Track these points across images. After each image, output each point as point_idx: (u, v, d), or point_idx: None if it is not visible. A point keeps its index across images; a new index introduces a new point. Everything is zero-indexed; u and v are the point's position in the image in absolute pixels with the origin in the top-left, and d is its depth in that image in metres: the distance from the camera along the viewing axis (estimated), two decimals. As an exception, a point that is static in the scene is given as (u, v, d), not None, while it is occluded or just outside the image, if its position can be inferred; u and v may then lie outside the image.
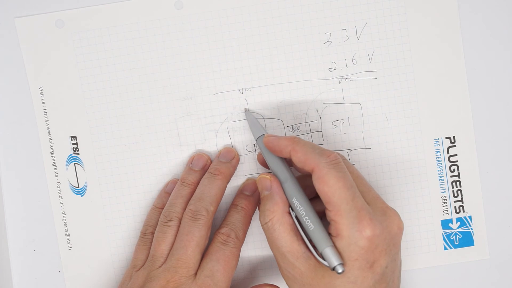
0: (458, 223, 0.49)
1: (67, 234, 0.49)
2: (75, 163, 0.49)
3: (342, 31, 0.47)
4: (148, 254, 0.45)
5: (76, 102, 0.48)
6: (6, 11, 0.47)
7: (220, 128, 0.48)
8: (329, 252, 0.39)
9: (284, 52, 0.48)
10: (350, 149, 0.48)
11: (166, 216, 0.45)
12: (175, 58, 0.48)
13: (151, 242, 0.46)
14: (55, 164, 0.49)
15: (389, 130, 0.48)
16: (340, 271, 0.38)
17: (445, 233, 0.49)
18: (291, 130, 0.48)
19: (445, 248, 0.49)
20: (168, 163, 0.48)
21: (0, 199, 0.49)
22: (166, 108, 0.48)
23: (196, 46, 0.47)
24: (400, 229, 0.40)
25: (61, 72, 0.48)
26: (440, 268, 0.49)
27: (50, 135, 0.48)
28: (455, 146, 0.48)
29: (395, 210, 0.41)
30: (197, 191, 0.46)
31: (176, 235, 0.44)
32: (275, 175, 0.43)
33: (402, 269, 0.49)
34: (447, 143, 0.48)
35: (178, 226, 0.45)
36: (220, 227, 0.45)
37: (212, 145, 0.48)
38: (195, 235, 0.43)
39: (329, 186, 0.39)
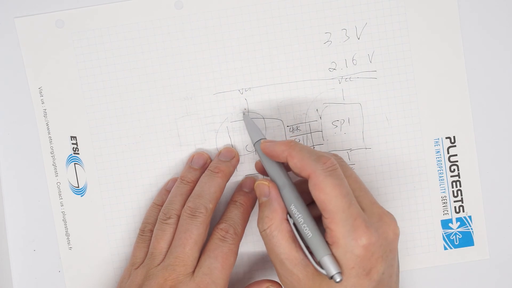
0: (458, 223, 0.49)
1: (67, 234, 0.49)
2: (75, 163, 0.49)
3: (342, 31, 0.47)
4: (147, 251, 0.45)
5: (76, 102, 0.48)
6: (6, 11, 0.47)
7: (220, 128, 0.48)
8: (327, 260, 0.39)
9: (284, 52, 0.48)
10: (350, 149, 0.48)
11: (165, 214, 0.45)
12: (175, 58, 0.48)
13: (150, 240, 0.46)
14: (55, 164, 0.49)
15: (389, 130, 0.48)
16: (338, 280, 0.38)
17: (445, 233, 0.49)
18: (291, 130, 0.48)
19: (445, 248, 0.49)
20: (168, 163, 0.48)
21: (0, 199, 0.49)
22: (166, 108, 0.48)
23: (196, 46, 0.47)
24: (396, 234, 0.40)
25: (61, 72, 0.48)
26: (440, 268, 0.49)
27: (50, 135, 0.48)
28: (455, 146, 0.48)
29: (391, 215, 0.40)
30: (196, 188, 0.45)
31: (174, 233, 0.44)
32: (273, 181, 0.43)
33: (402, 269, 0.49)
34: (447, 143, 0.48)
35: (177, 224, 0.45)
36: (218, 222, 0.45)
37: (212, 145, 0.48)
38: (193, 233, 0.43)
39: (325, 194, 0.39)
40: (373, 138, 0.48)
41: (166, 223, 0.45)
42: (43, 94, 0.48)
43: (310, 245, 0.40)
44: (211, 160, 0.48)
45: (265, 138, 0.45)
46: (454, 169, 0.49)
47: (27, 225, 0.49)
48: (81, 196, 0.49)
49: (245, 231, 0.46)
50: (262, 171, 0.46)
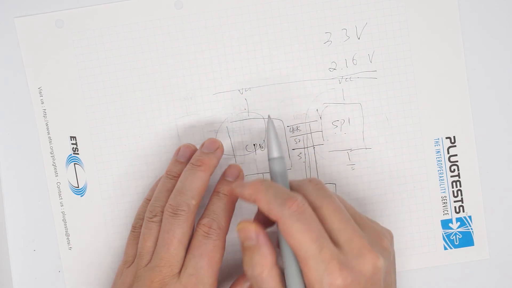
0: (458, 223, 0.49)
1: (67, 234, 0.49)
2: (75, 163, 0.49)
3: (342, 31, 0.47)
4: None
5: (76, 102, 0.48)
6: (6, 11, 0.47)
7: (220, 128, 0.48)
8: None
9: (284, 52, 0.48)
10: (350, 149, 0.48)
11: (151, 211, 0.44)
12: (175, 58, 0.48)
13: None
14: (55, 164, 0.49)
15: (389, 130, 0.48)
16: None
17: (445, 233, 0.49)
18: (291, 130, 0.48)
19: (445, 248, 0.49)
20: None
21: (0, 199, 0.49)
22: (166, 108, 0.48)
23: (196, 46, 0.47)
24: (377, 267, 0.38)
25: (61, 72, 0.48)
26: (440, 268, 0.49)
27: (49, 135, 0.48)
28: (455, 146, 0.48)
29: (371, 249, 0.38)
30: (178, 184, 0.44)
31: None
32: (259, 222, 0.40)
33: (402, 270, 0.49)
34: (447, 143, 0.48)
35: None
36: (201, 217, 0.43)
37: (212, 145, 0.48)
38: (176, 232, 0.42)
39: (294, 239, 0.37)
40: (373, 138, 0.48)
41: (152, 221, 0.43)
42: (43, 94, 0.48)
43: (288, 282, 0.39)
44: None
45: (281, 157, 0.42)
46: (454, 169, 0.49)
47: (27, 225, 0.49)
48: (81, 196, 0.49)
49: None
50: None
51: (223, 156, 0.47)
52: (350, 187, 0.48)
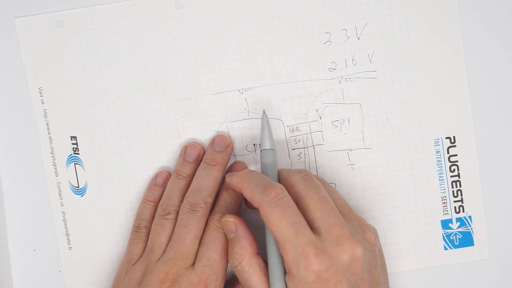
0: (458, 223, 0.49)
1: (67, 234, 0.49)
2: (75, 163, 0.49)
3: (342, 31, 0.47)
4: (143, 247, 0.46)
5: (76, 102, 0.48)
6: (6, 11, 0.47)
7: (220, 128, 0.48)
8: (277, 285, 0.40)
9: (284, 52, 0.48)
10: (350, 149, 0.48)
11: (164, 210, 0.45)
12: (175, 58, 0.48)
13: (146, 236, 0.46)
14: (55, 164, 0.49)
15: (389, 130, 0.48)
16: None
17: (445, 233, 0.49)
18: (291, 130, 0.48)
19: (445, 248, 0.49)
20: (168, 163, 0.48)
21: (0, 199, 0.49)
22: (166, 108, 0.48)
23: (196, 46, 0.47)
24: (355, 256, 0.39)
25: (61, 72, 0.48)
26: (440, 268, 0.49)
27: (50, 135, 0.48)
28: (455, 146, 0.48)
29: (350, 238, 0.39)
30: (195, 182, 0.46)
31: (173, 228, 0.45)
32: (238, 216, 0.43)
33: (402, 270, 0.49)
34: (447, 143, 0.48)
35: (176, 219, 0.45)
36: (213, 212, 0.45)
37: (212, 145, 0.48)
38: (194, 227, 0.44)
39: (273, 225, 0.39)
40: (373, 138, 0.48)
41: (165, 219, 0.45)
42: (43, 94, 0.48)
43: (270, 271, 0.41)
44: (204, 151, 0.48)
45: (272, 149, 0.44)
46: (454, 169, 0.49)
47: (27, 225, 0.49)
48: (81, 196, 0.49)
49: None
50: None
51: (223, 156, 0.48)
52: (350, 187, 0.48)
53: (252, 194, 0.41)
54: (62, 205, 0.49)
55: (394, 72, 0.48)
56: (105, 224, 0.49)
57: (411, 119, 0.48)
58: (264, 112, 0.46)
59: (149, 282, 0.43)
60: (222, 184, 0.47)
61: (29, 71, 0.48)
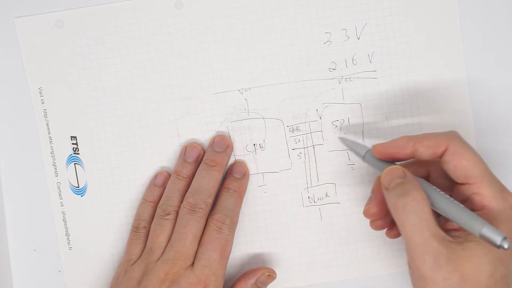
0: (458, 223, 0.49)
1: (67, 234, 0.49)
2: (75, 163, 0.49)
3: (342, 31, 0.47)
4: (143, 247, 0.46)
5: (76, 102, 0.48)
6: (6, 11, 0.47)
7: (220, 128, 0.48)
8: (490, 229, 0.36)
9: (284, 52, 0.48)
10: (368, 165, 0.48)
11: (164, 210, 0.45)
12: (175, 58, 0.48)
13: (145, 236, 0.46)
14: (55, 164, 0.49)
15: (389, 130, 0.48)
16: (506, 246, 0.36)
17: (445, 233, 0.49)
18: (291, 130, 0.48)
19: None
20: (168, 163, 0.48)
21: (0, 199, 0.49)
22: (166, 108, 0.48)
23: (196, 46, 0.47)
24: None
25: (61, 72, 0.48)
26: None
27: (50, 135, 0.48)
28: (455, 146, 0.48)
29: None
30: (195, 183, 0.46)
31: (173, 228, 0.45)
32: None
33: (401, 270, 0.49)
34: (447, 143, 0.48)
35: (175, 219, 0.45)
36: (213, 212, 0.45)
37: (212, 145, 0.48)
38: (193, 227, 0.44)
39: (467, 160, 0.39)
40: (373, 138, 0.48)
41: (165, 219, 0.45)
42: (43, 94, 0.48)
43: (462, 219, 0.38)
44: (204, 151, 0.48)
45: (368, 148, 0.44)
46: (454, 169, 0.49)
47: (27, 225, 0.49)
48: (81, 196, 0.49)
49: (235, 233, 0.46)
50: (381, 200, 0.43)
51: (223, 156, 0.47)
52: (350, 187, 0.48)
53: (436, 139, 0.41)
54: (62, 205, 0.49)
55: (394, 72, 0.48)
56: (105, 224, 0.49)
57: (411, 119, 0.48)
58: (340, 137, 0.46)
59: (149, 282, 0.43)
60: (222, 185, 0.47)
61: (29, 71, 0.48)
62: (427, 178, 0.44)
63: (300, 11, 0.47)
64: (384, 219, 0.44)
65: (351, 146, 0.45)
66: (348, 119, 0.48)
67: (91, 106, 0.48)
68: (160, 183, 0.47)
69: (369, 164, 0.44)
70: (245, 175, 0.47)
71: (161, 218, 0.45)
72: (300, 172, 0.48)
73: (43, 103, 0.48)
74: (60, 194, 0.49)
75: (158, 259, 0.44)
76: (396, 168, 0.41)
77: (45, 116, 0.48)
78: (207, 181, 0.45)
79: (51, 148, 0.49)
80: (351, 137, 0.47)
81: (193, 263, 0.44)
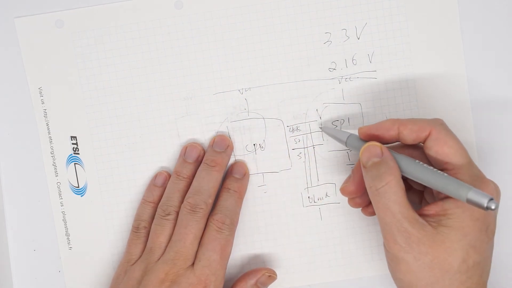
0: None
1: (67, 234, 0.49)
2: (75, 163, 0.49)
3: (342, 31, 0.47)
4: (143, 248, 0.46)
5: (76, 102, 0.48)
6: (6, 11, 0.48)
7: (220, 128, 0.48)
8: (476, 192, 0.36)
9: (284, 52, 0.48)
10: (350, 149, 0.48)
11: (164, 210, 0.45)
12: (175, 58, 0.48)
13: (145, 236, 0.46)
14: (55, 164, 0.49)
15: (389, 130, 0.48)
16: (493, 206, 0.36)
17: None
18: (291, 130, 0.48)
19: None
20: (168, 163, 0.48)
21: (0, 199, 0.49)
22: (166, 108, 0.48)
23: (196, 46, 0.47)
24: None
25: (61, 72, 0.48)
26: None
27: (50, 135, 0.48)
28: (455, 146, 0.48)
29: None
30: (195, 183, 0.46)
31: (173, 228, 0.45)
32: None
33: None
34: (447, 143, 0.48)
35: (176, 219, 0.45)
36: (213, 212, 0.45)
37: (212, 145, 0.48)
38: (194, 227, 0.44)
39: (449, 147, 0.40)
40: (373, 138, 0.48)
41: (165, 219, 0.45)
42: (43, 94, 0.48)
43: (447, 187, 0.38)
44: (204, 152, 0.48)
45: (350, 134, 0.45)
46: (454, 169, 0.49)
47: (27, 225, 0.49)
48: (81, 196, 0.49)
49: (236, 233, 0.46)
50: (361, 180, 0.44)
51: (223, 156, 0.47)
52: (350, 187, 0.48)
53: (419, 124, 0.41)
54: (62, 205, 0.49)
55: (394, 72, 0.48)
56: (105, 224, 0.49)
57: (411, 119, 0.48)
58: (320, 127, 0.48)
59: (149, 282, 0.43)
60: (222, 185, 0.47)
61: (29, 71, 0.48)
62: None
63: (300, 11, 0.47)
64: (362, 197, 0.44)
65: (333, 134, 0.46)
66: (348, 119, 0.48)
67: (91, 106, 0.48)
68: (160, 184, 0.47)
69: (352, 149, 0.44)
70: (245, 175, 0.47)
71: (162, 218, 0.45)
72: (300, 172, 0.48)
73: (43, 103, 0.48)
74: (60, 194, 0.49)
75: (158, 259, 0.44)
76: (374, 145, 0.41)
77: (45, 116, 0.48)
78: (207, 181, 0.45)
79: (51, 148, 0.49)
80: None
81: (193, 263, 0.44)
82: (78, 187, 0.49)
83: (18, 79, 0.48)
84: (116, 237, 0.49)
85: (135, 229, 0.47)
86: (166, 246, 0.44)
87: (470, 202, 0.37)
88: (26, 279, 0.49)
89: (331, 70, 0.48)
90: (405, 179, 0.41)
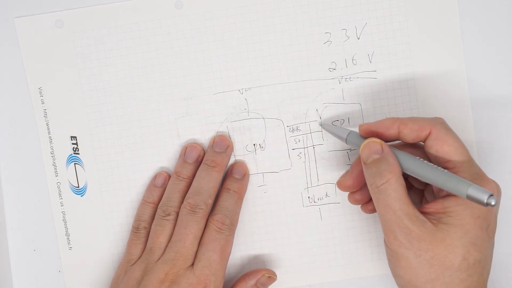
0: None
1: (67, 234, 0.49)
2: (75, 163, 0.49)
3: (342, 31, 0.47)
4: (143, 248, 0.46)
5: (76, 102, 0.48)
6: (6, 11, 0.48)
7: (220, 128, 0.48)
8: (476, 188, 0.36)
9: (284, 52, 0.48)
10: (350, 149, 0.48)
11: (164, 211, 0.45)
12: (175, 58, 0.48)
13: (145, 237, 0.46)
14: (55, 164, 0.49)
15: (389, 130, 0.48)
16: (493, 202, 0.35)
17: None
18: (291, 130, 0.48)
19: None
20: (168, 163, 0.48)
21: (0, 199, 0.49)
22: (166, 108, 0.48)
23: (196, 46, 0.47)
24: None
25: (61, 72, 0.48)
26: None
27: (50, 135, 0.48)
28: (455, 146, 0.48)
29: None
30: (195, 184, 0.46)
31: (173, 228, 0.45)
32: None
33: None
34: (447, 143, 0.48)
35: (176, 220, 0.45)
36: (213, 213, 0.45)
37: (212, 145, 0.48)
38: (193, 228, 0.44)
39: (449, 145, 0.40)
40: (373, 138, 0.48)
41: (165, 219, 0.45)
42: (43, 94, 0.48)
43: (447, 183, 0.38)
44: (204, 152, 0.48)
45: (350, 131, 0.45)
46: (454, 169, 0.49)
47: (27, 225, 0.49)
48: (81, 196, 0.49)
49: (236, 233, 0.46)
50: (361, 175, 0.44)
51: (223, 156, 0.47)
52: (350, 187, 0.48)
53: (420, 123, 0.41)
54: (62, 205, 0.49)
55: (394, 72, 0.48)
56: (105, 224, 0.49)
57: (411, 119, 0.48)
58: (320, 124, 0.48)
59: (148, 282, 0.43)
60: (222, 185, 0.47)
61: (29, 71, 0.48)
62: None
63: (300, 11, 0.47)
64: (362, 194, 0.44)
65: (333, 131, 0.46)
66: (348, 119, 0.48)
67: (91, 106, 0.48)
68: (159, 184, 0.47)
69: (352, 146, 0.44)
70: (245, 175, 0.47)
71: (162, 218, 0.45)
72: (300, 172, 0.48)
73: (43, 103, 0.48)
74: (60, 194, 0.49)
75: (158, 259, 0.44)
76: (374, 142, 0.41)
77: (45, 116, 0.48)
78: (207, 182, 0.45)
79: (51, 148, 0.49)
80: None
81: (193, 264, 0.44)
82: (78, 187, 0.49)
83: (18, 79, 0.48)
84: (116, 237, 0.49)
85: (135, 229, 0.47)
86: (166, 246, 0.44)
87: (470, 198, 0.37)
88: (26, 279, 0.49)
89: (331, 70, 0.48)
90: (406, 178, 0.41)
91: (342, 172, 0.48)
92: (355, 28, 0.47)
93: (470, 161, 0.40)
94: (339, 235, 0.49)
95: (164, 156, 0.48)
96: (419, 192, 0.45)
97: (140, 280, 0.44)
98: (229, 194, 0.46)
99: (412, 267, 0.39)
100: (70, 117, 0.48)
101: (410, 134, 0.41)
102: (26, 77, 0.48)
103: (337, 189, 0.48)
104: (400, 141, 0.43)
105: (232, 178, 0.47)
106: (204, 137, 0.48)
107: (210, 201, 0.45)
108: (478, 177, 0.39)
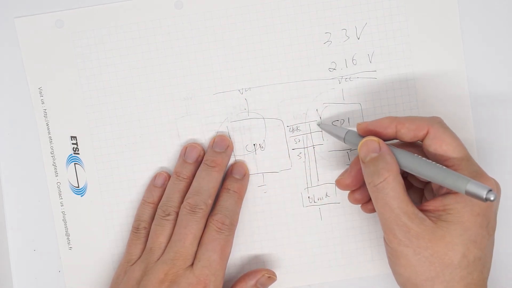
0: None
1: (67, 234, 0.49)
2: (75, 163, 0.49)
3: (342, 31, 0.47)
4: (142, 248, 0.46)
5: (76, 102, 0.48)
6: (6, 11, 0.48)
7: (220, 128, 0.48)
8: (475, 184, 0.36)
9: (284, 52, 0.48)
10: (350, 149, 0.48)
11: (164, 211, 0.45)
12: (175, 58, 0.48)
13: (145, 237, 0.46)
14: (55, 164, 0.49)
15: (389, 130, 0.48)
16: (493, 198, 0.36)
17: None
18: (291, 130, 0.48)
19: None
20: (168, 163, 0.48)
21: (0, 199, 0.49)
22: (166, 108, 0.48)
23: (196, 46, 0.47)
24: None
25: (61, 72, 0.48)
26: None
27: (50, 135, 0.48)
28: (455, 146, 0.48)
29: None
30: (195, 184, 0.46)
31: (173, 228, 0.45)
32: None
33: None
34: (447, 143, 0.48)
35: (175, 220, 0.45)
36: (213, 213, 0.45)
37: (212, 145, 0.48)
38: (193, 228, 0.44)
39: (447, 144, 0.40)
40: (373, 138, 0.48)
41: (165, 219, 0.45)
42: (43, 94, 0.48)
43: (446, 179, 0.38)
44: (204, 152, 0.48)
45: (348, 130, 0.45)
46: (454, 169, 0.49)
47: (27, 225, 0.49)
48: (81, 196, 0.49)
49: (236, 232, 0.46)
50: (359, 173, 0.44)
51: (223, 156, 0.47)
52: (350, 187, 0.48)
53: (417, 122, 0.41)
54: (62, 205, 0.49)
55: (394, 72, 0.48)
56: (105, 224, 0.49)
57: (411, 119, 0.48)
58: (319, 124, 0.48)
59: (148, 282, 0.43)
60: (222, 185, 0.47)
61: (29, 71, 0.48)
62: None
63: (300, 11, 0.47)
64: (362, 193, 0.45)
65: (331, 131, 0.46)
66: (348, 119, 0.48)
67: (91, 106, 0.48)
68: (159, 184, 0.47)
69: (350, 145, 0.44)
70: (245, 175, 0.47)
71: (161, 218, 0.45)
72: (300, 172, 0.48)
73: (43, 103, 0.48)
74: (60, 194, 0.49)
75: (158, 259, 0.44)
76: (372, 140, 0.41)
77: (45, 116, 0.48)
78: (207, 182, 0.46)
79: (51, 148, 0.49)
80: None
81: (192, 264, 0.44)
82: (78, 187, 0.49)
83: (18, 79, 0.48)
84: (116, 237, 0.49)
85: (135, 229, 0.47)
86: (166, 246, 0.44)
87: (469, 193, 0.37)
88: (26, 279, 0.49)
89: (331, 70, 0.48)
90: (405, 177, 0.41)
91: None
92: (355, 28, 0.47)
93: (469, 159, 0.40)
94: (339, 235, 0.49)
95: (164, 156, 0.48)
96: (419, 191, 0.45)
97: (140, 280, 0.44)
98: (229, 194, 0.46)
99: (412, 265, 0.39)
100: (70, 117, 0.48)
101: (407, 134, 0.41)
102: (26, 77, 0.48)
103: (337, 189, 0.48)
104: (398, 141, 0.43)
105: (232, 178, 0.47)
106: (204, 137, 0.48)
107: (210, 201, 0.45)
108: (477, 174, 0.39)
